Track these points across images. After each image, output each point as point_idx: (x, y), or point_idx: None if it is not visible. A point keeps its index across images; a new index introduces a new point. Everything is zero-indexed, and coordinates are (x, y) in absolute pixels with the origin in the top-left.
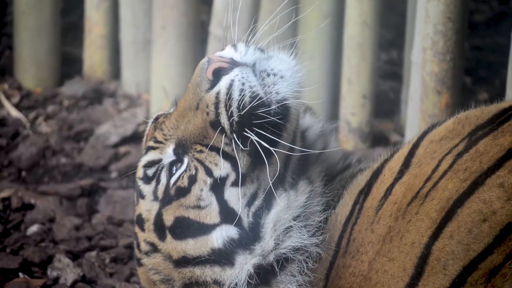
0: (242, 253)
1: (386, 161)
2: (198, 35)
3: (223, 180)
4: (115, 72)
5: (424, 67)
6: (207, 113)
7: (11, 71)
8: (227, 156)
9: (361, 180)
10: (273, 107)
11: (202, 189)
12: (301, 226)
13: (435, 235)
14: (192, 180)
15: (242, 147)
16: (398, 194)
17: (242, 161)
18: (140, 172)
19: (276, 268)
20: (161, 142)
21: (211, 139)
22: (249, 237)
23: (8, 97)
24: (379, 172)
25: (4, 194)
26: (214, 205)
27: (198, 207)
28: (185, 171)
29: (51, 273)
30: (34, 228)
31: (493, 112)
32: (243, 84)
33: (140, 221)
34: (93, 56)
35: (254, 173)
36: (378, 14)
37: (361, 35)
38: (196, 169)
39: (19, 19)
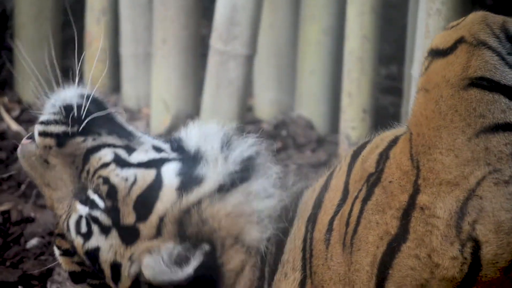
0: (197, 166)
1: (325, 188)
2: (199, 49)
3: (118, 157)
4: (115, 85)
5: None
6: (50, 147)
7: (11, 85)
8: (98, 148)
9: (307, 203)
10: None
11: (117, 175)
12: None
13: None
14: (106, 180)
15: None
16: (337, 231)
17: (107, 137)
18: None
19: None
20: (68, 213)
21: (77, 152)
22: (188, 157)
23: (8, 111)
24: (321, 200)
25: (4, 207)
26: (138, 171)
27: (133, 184)
28: (94, 189)
29: (51, 286)
30: (33, 242)
31: (377, 152)
32: (45, 115)
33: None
34: (93, 69)
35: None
36: (379, 28)
37: (361, 49)
38: (100, 177)
39: (19, 32)
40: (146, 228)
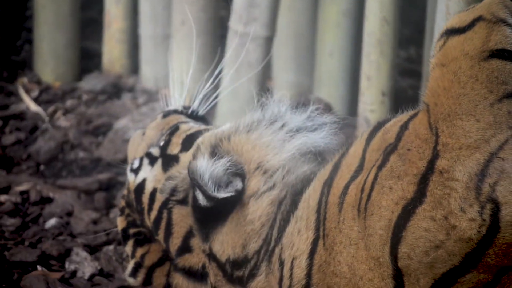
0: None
1: (343, 155)
2: (217, 31)
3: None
4: (134, 66)
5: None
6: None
7: (31, 65)
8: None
9: (326, 168)
10: None
11: (181, 122)
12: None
13: (393, 254)
14: (175, 127)
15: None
16: (353, 196)
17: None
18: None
19: None
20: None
21: (172, 122)
22: None
23: (28, 91)
24: (338, 166)
25: (23, 187)
26: (197, 125)
27: (189, 129)
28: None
29: (69, 266)
30: (52, 222)
31: (399, 124)
32: None
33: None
34: (112, 50)
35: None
36: (398, 10)
37: (380, 31)
38: (169, 128)
39: (38, 13)
40: (186, 157)
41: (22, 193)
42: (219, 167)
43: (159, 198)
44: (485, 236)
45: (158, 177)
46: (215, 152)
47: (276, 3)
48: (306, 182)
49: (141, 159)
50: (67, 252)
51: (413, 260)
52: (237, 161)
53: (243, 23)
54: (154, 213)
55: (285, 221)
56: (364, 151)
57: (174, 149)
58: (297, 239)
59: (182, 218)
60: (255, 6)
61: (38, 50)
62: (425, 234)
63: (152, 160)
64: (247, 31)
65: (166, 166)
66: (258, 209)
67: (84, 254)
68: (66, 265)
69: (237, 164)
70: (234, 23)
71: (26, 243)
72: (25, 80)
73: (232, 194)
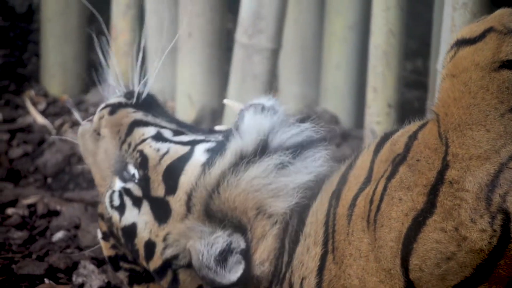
0: (229, 142)
1: (350, 167)
2: (224, 43)
3: (160, 134)
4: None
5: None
6: (103, 117)
7: (38, 78)
8: (147, 124)
9: (332, 180)
10: None
11: (151, 146)
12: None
13: (404, 266)
14: (141, 153)
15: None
16: (361, 208)
17: (162, 121)
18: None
19: None
20: (107, 191)
21: (124, 121)
22: (230, 135)
23: (35, 104)
24: (346, 177)
25: (30, 200)
26: (173, 145)
27: (164, 155)
28: (133, 164)
29: (76, 279)
30: (59, 235)
31: (407, 135)
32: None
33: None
34: (119, 63)
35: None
36: (404, 23)
37: (386, 44)
38: (137, 152)
39: (45, 26)
40: (177, 205)
41: (29, 206)
42: (220, 244)
43: (159, 255)
44: (496, 247)
45: (152, 228)
46: (208, 214)
47: (282, 16)
48: (311, 195)
49: (121, 195)
50: (75, 265)
51: (425, 272)
52: (233, 216)
53: (249, 35)
54: (155, 265)
55: (295, 242)
56: (372, 162)
57: (157, 189)
58: (307, 257)
59: (190, 279)
60: (261, 19)
61: (45, 63)
62: (436, 246)
63: (136, 201)
64: (253, 44)
65: (157, 216)
66: (265, 250)
67: (91, 267)
68: (74, 278)
69: (234, 220)
70: (240, 36)
71: (34, 256)
72: (32, 93)
73: (241, 271)
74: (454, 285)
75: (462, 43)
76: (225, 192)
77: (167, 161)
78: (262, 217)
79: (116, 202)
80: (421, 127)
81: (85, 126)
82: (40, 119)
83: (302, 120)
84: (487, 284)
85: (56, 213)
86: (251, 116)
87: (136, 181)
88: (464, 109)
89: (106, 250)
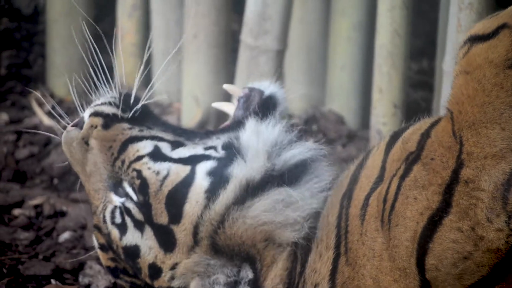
0: (232, 165)
1: (361, 166)
2: (229, 44)
3: (157, 150)
4: (146, 80)
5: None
6: (96, 127)
7: (44, 79)
8: (141, 138)
9: (342, 182)
10: None
11: (149, 168)
12: (299, 143)
13: (420, 265)
14: (138, 174)
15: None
16: (374, 207)
17: (158, 132)
18: (114, 219)
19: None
20: (105, 204)
21: (118, 137)
22: (230, 155)
23: (41, 105)
24: (357, 177)
25: (36, 201)
26: (173, 165)
27: (165, 178)
28: (129, 182)
29: (83, 279)
30: (66, 235)
31: (419, 133)
32: (98, 102)
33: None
34: (125, 64)
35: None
36: (409, 23)
37: (392, 44)
38: (134, 170)
39: (51, 27)
40: (182, 235)
41: (35, 207)
42: (228, 279)
43: (166, 281)
44: None
45: (158, 255)
46: (215, 248)
47: (288, 16)
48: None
49: (121, 213)
50: (81, 266)
51: (441, 271)
52: (241, 250)
53: (254, 36)
54: (160, 284)
55: (306, 252)
56: (384, 161)
57: (160, 216)
58: (319, 264)
59: None
60: (267, 19)
61: (51, 64)
62: (453, 246)
63: (138, 224)
64: (259, 44)
65: (162, 243)
66: (276, 275)
67: (98, 267)
68: (80, 279)
69: (242, 253)
70: (246, 36)
71: (40, 256)
72: (38, 94)
73: None
74: (470, 285)
75: (475, 39)
76: (231, 228)
77: (168, 186)
78: (271, 246)
79: (118, 219)
80: (433, 125)
81: (71, 133)
82: (46, 120)
83: (303, 129)
84: (504, 283)
85: (63, 214)
86: (253, 130)
87: (136, 203)
88: (479, 107)
89: (105, 260)
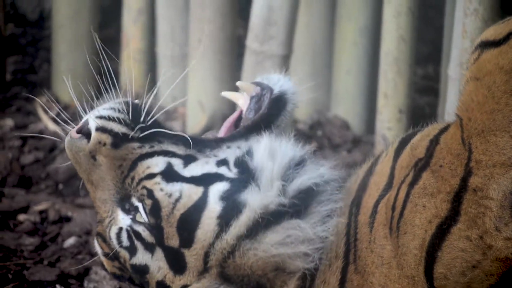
0: (246, 191)
1: (370, 172)
2: (235, 49)
3: (170, 168)
4: (152, 86)
5: (462, 81)
6: (105, 144)
7: (49, 85)
8: (152, 154)
9: (350, 188)
10: None
11: (162, 189)
12: (311, 162)
13: (428, 274)
14: (150, 193)
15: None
16: (383, 214)
17: (168, 145)
18: (121, 243)
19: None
20: (110, 222)
21: (128, 157)
22: (244, 177)
23: (46, 111)
24: (366, 184)
25: (42, 206)
26: (186, 186)
27: (177, 201)
28: (138, 199)
29: (88, 285)
30: (71, 241)
31: (427, 139)
32: (103, 108)
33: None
34: (130, 69)
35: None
36: (415, 29)
37: (397, 50)
38: (144, 188)
39: (57, 33)
40: (192, 259)
41: (41, 212)
42: None
43: None
44: None
45: (167, 275)
46: (225, 277)
47: (293, 22)
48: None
49: (130, 237)
50: (86, 271)
51: (450, 280)
52: (251, 279)
53: (260, 41)
54: None
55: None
56: (392, 168)
57: (171, 239)
58: (328, 274)
59: None
60: (272, 25)
61: (56, 69)
62: (461, 254)
63: (148, 246)
64: (264, 50)
65: (173, 265)
66: None
67: (103, 273)
68: (85, 284)
69: (252, 283)
70: (251, 42)
71: (45, 262)
72: (43, 99)
73: None
74: None
75: (486, 45)
76: (241, 259)
77: (180, 210)
78: (282, 274)
79: (126, 243)
80: (442, 131)
81: (77, 143)
82: (52, 126)
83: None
84: None
85: (68, 219)
86: (267, 150)
87: (147, 225)
88: (488, 114)
89: (110, 267)
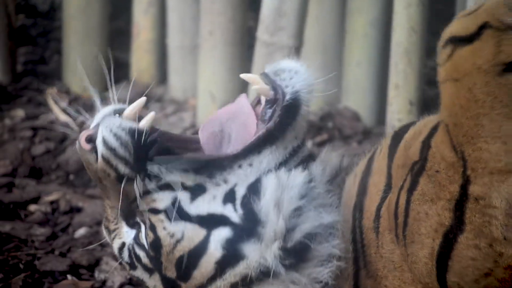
0: (247, 243)
1: (368, 172)
2: (245, 41)
3: (175, 205)
4: (162, 77)
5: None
6: (109, 175)
7: (60, 76)
8: (160, 188)
9: (350, 191)
10: None
11: (165, 228)
12: (314, 206)
13: (442, 282)
14: (153, 228)
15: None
16: (386, 220)
17: (176, 178)
18: (123, 257)
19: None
20: (114, 230)
21: (133, 189)
22: (247, 226)
23: (57, 102)
24: (365, 186)
25: (52, 197)
26: (189, 226)
27: (178, 242)
28: (145, 225)
29: (99, 275)
30: (81, 231)
31: (420, 139)
32: (111, 130)
33: None
34: (141, 60)
35: (202, 177)
36: (426, 20)
37: (408, 41)
38: (148, 219)
39: (67, 24)
40: None
41: (51, 202)
42: None
43: None
44: None
45: None
46: None
47: (304, 13)
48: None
49: (131, 257)
50: (97, 262)
51: None
52: None
53: (270, 33)
54: None
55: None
56: (389, 167)
57: (169, 271)
58: (341, 280)
59: None
60: (283, 16)
61: (67, 60)
62: (472, 263)
63: (147, 269)
64: (274, 41)
65: None
66: None
67: (114, 263)
68: (96, 274)
69: None
70: (262, 33)
71: (56, 252)
72: (54, 90)
73: None
74: None
75: (457, 41)
76: None
77: (180, 251)
78: None
79: (127, 259)
80: (432, 132)
81: (87, 155)
82: (62, 117)
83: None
84: None
85: (79, 210)
86: (273, 195)
87: (147, 253)
88: (474, 120)
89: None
